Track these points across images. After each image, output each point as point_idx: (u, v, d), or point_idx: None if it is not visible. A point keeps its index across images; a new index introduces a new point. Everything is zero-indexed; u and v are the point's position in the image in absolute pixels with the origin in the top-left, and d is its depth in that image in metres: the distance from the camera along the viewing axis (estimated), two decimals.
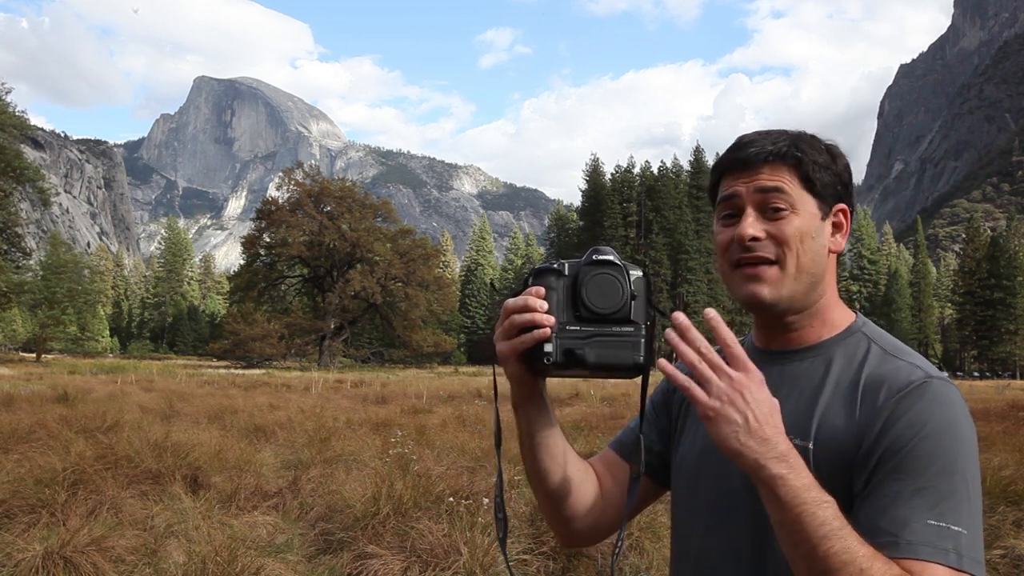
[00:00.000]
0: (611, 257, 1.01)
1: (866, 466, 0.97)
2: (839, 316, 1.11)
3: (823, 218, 1.08)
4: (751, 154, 1.08)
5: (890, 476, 0.94)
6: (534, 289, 1.00)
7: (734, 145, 1.11)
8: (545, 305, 0.99)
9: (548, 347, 0.99)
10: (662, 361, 0.98)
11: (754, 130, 1.14)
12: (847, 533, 0.87)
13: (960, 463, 0.94)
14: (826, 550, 0.85)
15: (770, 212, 1.06)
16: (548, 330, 0.98)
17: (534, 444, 1.11)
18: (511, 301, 1.01)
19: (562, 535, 1.22)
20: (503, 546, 1.14)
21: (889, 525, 0.92)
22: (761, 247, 1.05)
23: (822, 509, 0.87)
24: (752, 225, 1.06)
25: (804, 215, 1.06)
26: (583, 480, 1.17)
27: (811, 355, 1.09)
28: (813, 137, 1.11)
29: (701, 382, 0.91)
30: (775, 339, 1.13)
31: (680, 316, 0.93)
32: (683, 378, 0.92)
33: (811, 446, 1.01)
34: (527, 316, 0.98)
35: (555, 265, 1.03)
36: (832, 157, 1.10)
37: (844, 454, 0.99)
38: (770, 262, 1.05)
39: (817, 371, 1.07)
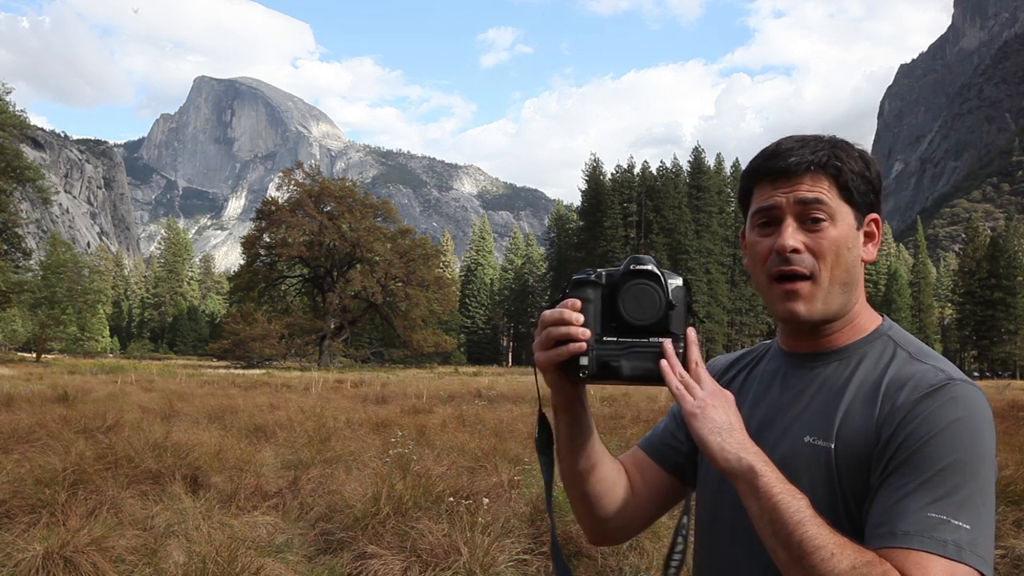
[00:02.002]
0: (649, 267, 1.01)
1: (880, 461, 0.98)
2: (866, 320, 1.12)
3: (858, 228, 1.08)
4: (792, 163, 1.06)
5: (900, 470, 0.95)
6: (570, 302, 1.01)
7: (772, 152, 1.10)
8: (581, 318, 1.00)
9: (584, 360, 1.00)
10: (663, 364, 1.00)
11: (789, 135, 1.12)
12: (819, 522, 0.90)
13: (974, 462, 0.93)
14: (801, 535, 0.89)
15: (809, 223, 1.06)
16: (584, 344, 0.99)
17: (573, 447, 1.14)
18: (548, 313, 1.01)
19: (592, 534, 1.25)
20: (554, 543, 1.18)
21: (889, 516, 0.93)
22: (799, 260, 1.05)
23: (796, 498, 0.92)
24: (792, 236, 1.05)
25: (842, 226, 1.06)
26: (616, 482, 1.20)
27: (837, 358, 1.10)
28: (846, 143, 1.10)
29: (688, 387, 1.00)
30: (804, 344, 1.14)
31: (691, 334, 1.01)
32: (674, 379, 0.99)
33: (832, 447, 1.02)
34: (563, 330, 0.99)
35: (592, 276, 1.03)
36: (866, 164, 1.08)
37: (863, 452, 1.00)
38: (805, 277, 1.06)
39: (842, 373, 1.08)
